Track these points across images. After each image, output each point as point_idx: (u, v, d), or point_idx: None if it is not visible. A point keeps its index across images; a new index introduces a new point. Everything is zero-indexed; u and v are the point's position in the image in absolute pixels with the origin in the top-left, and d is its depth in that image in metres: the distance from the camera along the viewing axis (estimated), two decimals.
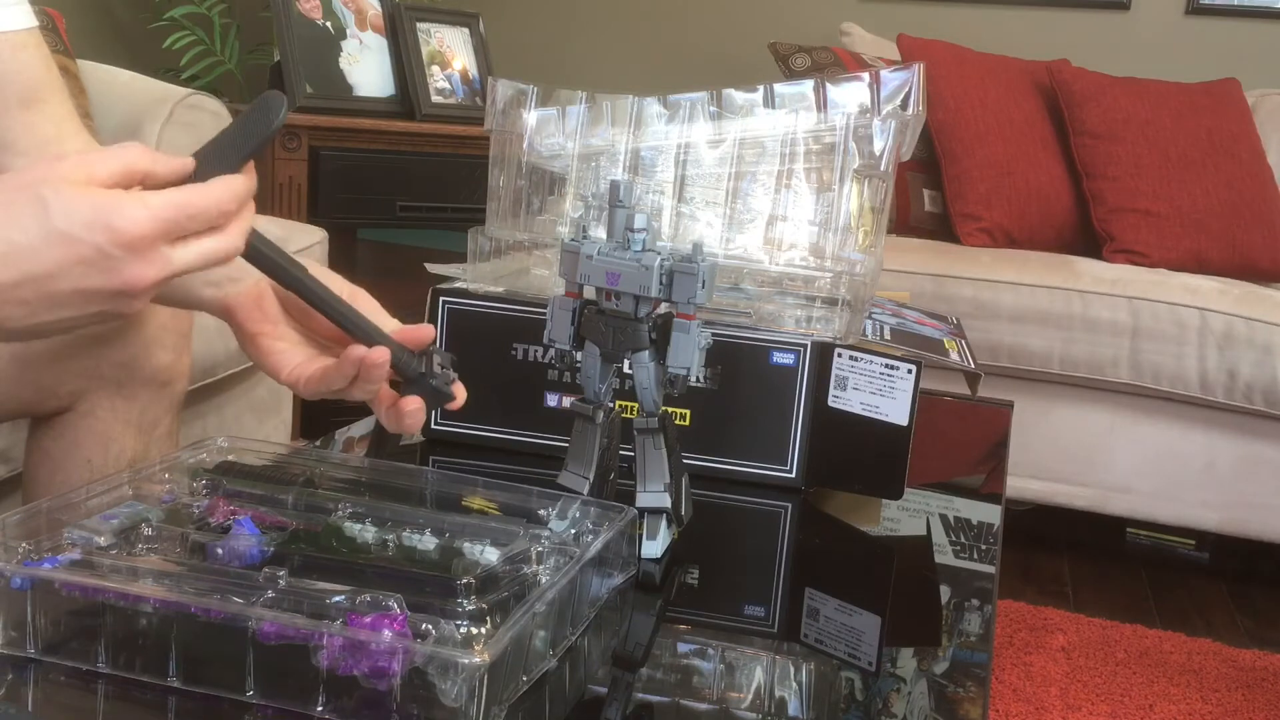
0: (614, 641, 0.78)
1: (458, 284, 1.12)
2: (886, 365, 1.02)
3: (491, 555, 0.71)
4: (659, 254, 0.82)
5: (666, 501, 0.86)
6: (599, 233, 0.86)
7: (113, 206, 0.65)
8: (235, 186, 0.69)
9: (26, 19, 1.01)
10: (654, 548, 0.87)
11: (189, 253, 0.68)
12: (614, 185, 0.84)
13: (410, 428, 0.80)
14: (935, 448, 1.28)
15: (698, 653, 0.79)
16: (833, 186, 1.07)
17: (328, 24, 2.58)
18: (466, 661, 0.59)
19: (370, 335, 0.78)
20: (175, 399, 1.08)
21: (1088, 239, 2.47)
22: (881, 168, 1.08)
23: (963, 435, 1.47)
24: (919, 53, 2.50)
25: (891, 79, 1.09)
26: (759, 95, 1.09)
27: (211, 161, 0.71)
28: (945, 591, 0.96)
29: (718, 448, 1.07)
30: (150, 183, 0.68)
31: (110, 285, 0.66)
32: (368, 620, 0.61)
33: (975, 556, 1.02)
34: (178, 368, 1.06)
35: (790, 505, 1.06)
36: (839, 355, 1.04)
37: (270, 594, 0.63)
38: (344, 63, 2.58)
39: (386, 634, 0.60)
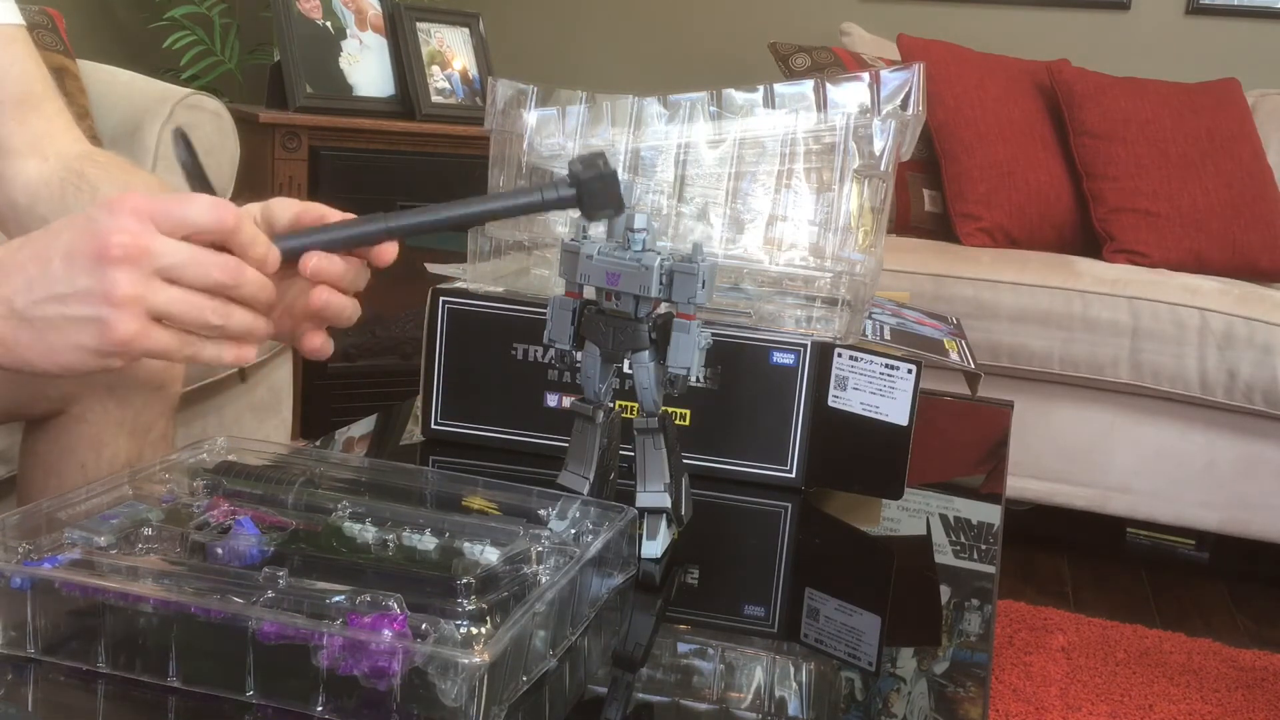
0: (614, 641, 0.78)
1: (458, 284, 1.12)
2: (886, 365, 1.02)
3: (491, 555, 0.71)
4: (659, 254, 0.82)
5: (666, 501, 0.86)
6: (599, 232, 0.86)
7: (125, 197, 0.69)
8: (236, 211, 0.71)
9: (12, 15, 1.01)
10: (654, 548, 0.87)
11: (175, 248, 0.69)
12: None
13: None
14: (935, 448, 1.28)
15: (698, 653, 0.79)
16: (833, 186, 1.07)
17: (328, 24, 2.58)
18: (466, 661, 0.59)
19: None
20: (169, 402, 1.08)
21: (1088, 239, 2.47)
22: (881, 168, 1.08)
23: (963, 435, 1.47)
24: (919, 53, 2.50)
25: (891, 79, 1.09)
26: (759, 95, 1.09)
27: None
28: (945, 591, 0.96)
29: (718, 448, 1.07)
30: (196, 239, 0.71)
31: (86, 247, 0.67)
32: (368, 620, 0.61)
33: (975, 556, 1.02)
34: (171, 371, 1.05)
35: (790, 505, 1.06)
36: (839, 355, 1.04)
37: (270, 594, 0.63)
38: (344, 63, 2.58)
39: (386, 634, 0.60)
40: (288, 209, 0.78)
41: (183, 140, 0.84)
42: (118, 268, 0.67)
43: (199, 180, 0.82)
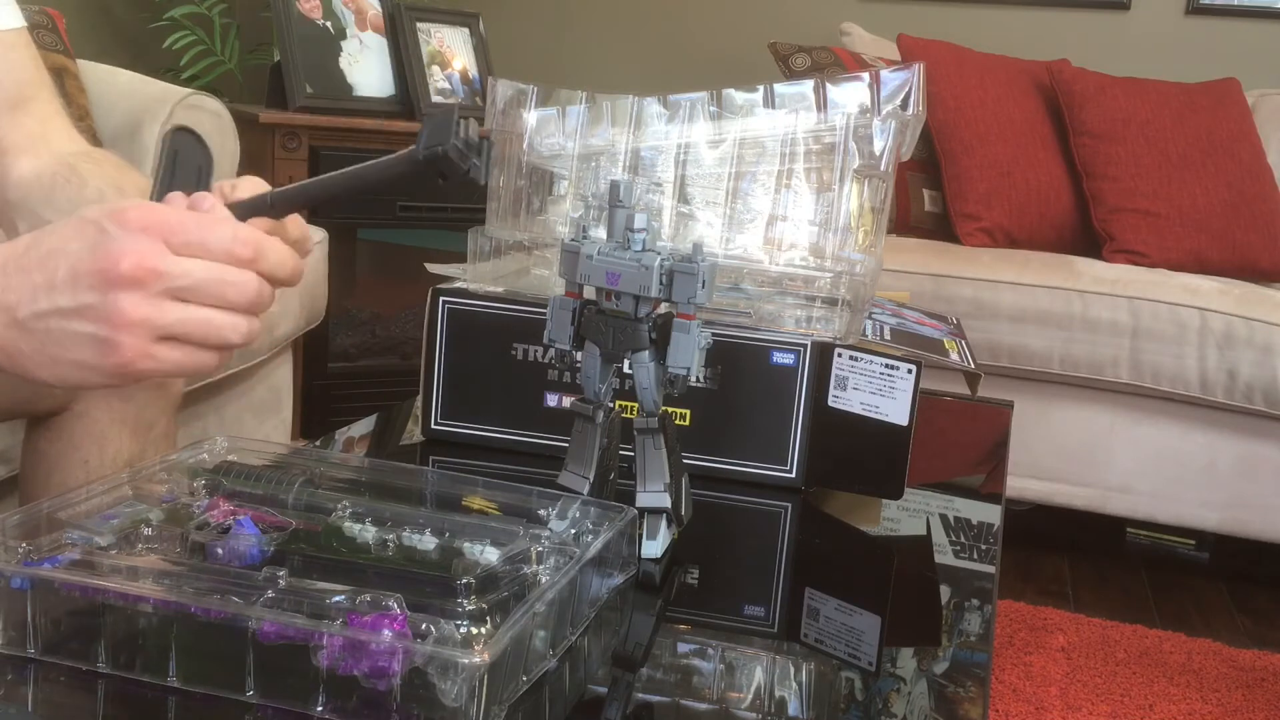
0: (614, 641, 0.78)
1: (458, 284, 1.12)
2: (886, 365, 1.02)
3: (491, 555, 0.71)
4: (659, 254, 0.82)
5: (666, 501, 0.86)
6: (599, 233, 0.86)
7: (137, 204, 0.67)
8: (259, 240, 0.69)
9: (15, 19, 1.01)
10: (654, 548, 0.87)
11: (189, 269, 0.67)
12: (614, 185, 0.84)
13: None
14: (935, 448, 1.28)
15: (698, 653, 0.79)
16: (833, 186, 1.07)
17: (328, 24, 2.59)
18: (466, 661, 0.59)
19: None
20: (172, 400, 1.08)
21: (1088, 239, 2.47)
22: (881, 168, 1.08)
23: (963, 435, 1.47)
24: (919, 53, 2.50)
25: (891, 79, 1.09)
26: (759, 95, 1.09)
27: (254, 207, 0.72)
28: (945, 591, 0.96)
29: (718, 448, 1.07)
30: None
31: (97, 264, 0.65)
32: (368, 620, 0.61)
33: (975, 556, 1.02)
34: None
35: (790, 505, 1.06)
36: (839, 355, 1.04)
37: (270, 594, 0.63)
38: (344, 63, 2.58)
39: (386, 634, 0.60)
40: (256, 189, 0.78)
41: (192, 137, 0.82)
42: (125, 290, 0.65)
43: (203, 183, 0.80)
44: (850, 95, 1.08)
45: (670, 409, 0.94)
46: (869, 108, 1.08)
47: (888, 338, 1.12)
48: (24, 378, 0.71)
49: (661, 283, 0.82)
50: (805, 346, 1.05)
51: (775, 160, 1.08)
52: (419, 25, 2.70)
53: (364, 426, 1.23)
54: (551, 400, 1.09)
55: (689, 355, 0.83)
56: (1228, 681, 1.87)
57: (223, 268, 0.67)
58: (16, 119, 1.00)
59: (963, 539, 1.06)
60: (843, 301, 1.05)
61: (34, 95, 1.02)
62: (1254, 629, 2.14)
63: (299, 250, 0.75)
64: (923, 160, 2.56)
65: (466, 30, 2.80)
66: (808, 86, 1.08)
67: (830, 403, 1.05)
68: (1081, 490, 2.26)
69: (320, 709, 0.61)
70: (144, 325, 0.66)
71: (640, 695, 0.72)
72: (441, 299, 1.10)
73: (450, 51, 2.75)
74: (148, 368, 0.68)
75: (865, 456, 1.04)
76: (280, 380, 2.01)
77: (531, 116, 1.11)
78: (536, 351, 1.09)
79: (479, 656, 0.59)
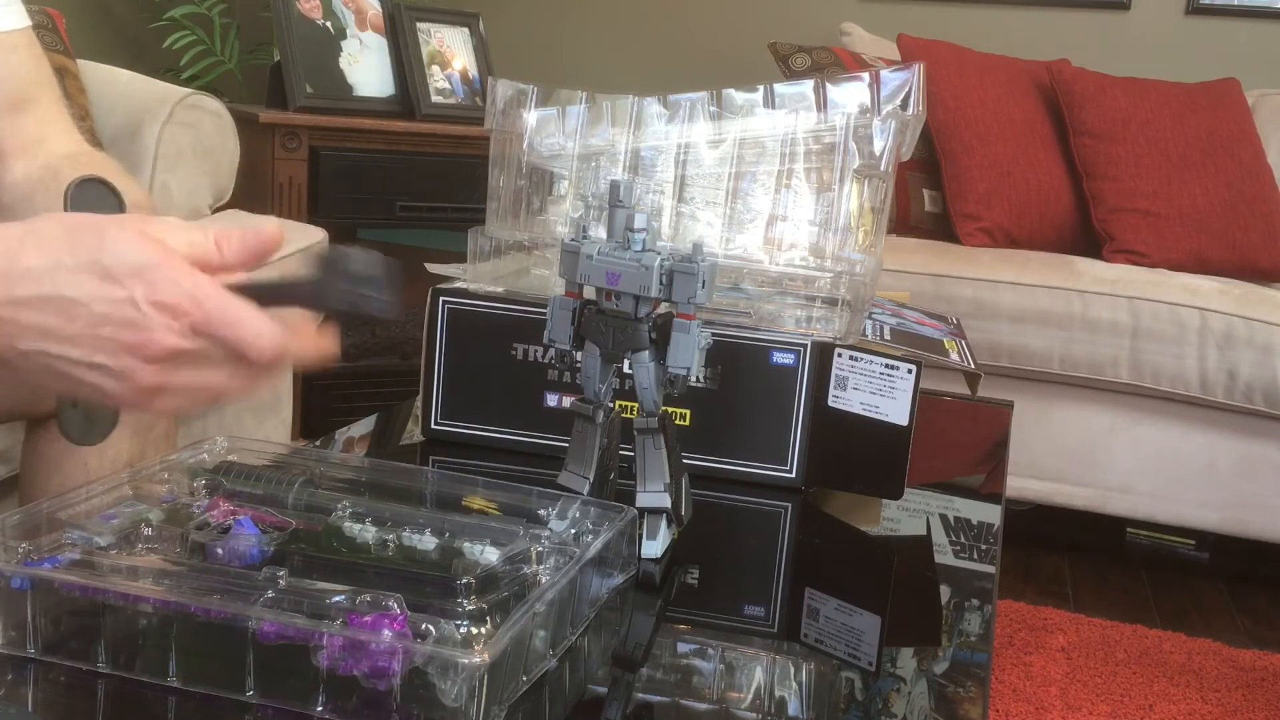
0: (614, 641, 0.78)
1: (458, 284, 1.12)
2: (886, 365, 1.02)
3: (491, 555, 0.71)
4: (659, 254, 0.82)
5: (666, 501, 0.86)
6: (599, 233, 0.86)
7: (163, 266, 0.64)
8: (282, 342, 0.66)
9: (19, 19, 1.00)
10: (654, 548, 0.87)
11: (200, 375, 0.66)
12: (614, 185, 0.84)
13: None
14: (935, 448, 1.28)
15: (698, 653, 0.79)
16: (833, 186, 1.07)
17: (328, 24, 2.58)
18: (466, 661, 0.59)
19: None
20: None
21: (1088, 239, 2.47)
22: (881, 168, 1.08)
23: (963, 435, 1.47)
24: (919, 53, 2.50)
25: (891, 79, 1.09)
26: (759, 95, 1.09)
27: (286, 294, 0.67)
28: (945, 591, 0.96)
29: (718, 448, 1.07)
30: (217, 266, 0.67)
31: (123, 338, 0.64)
32: (368, 620, 0.61)
33: (975, 556, 1.02)
34: None
35: (790, 505, 1.06)
36: (839, 355, 1.04)
37: (270, 594, 0.63)
38: (344, 63, 2.58)
39: (386, 634, 0.60)
40: (237, 222, 0.76)
41: (103, 187, 0.75)
42: (148, 364, 0.65)
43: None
44: (850, 95, 1.08)
45: (670, 409, 0.94)
46: (869, 108, 1.08)
47: (888, 338, 1.12)
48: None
49: (661, 283, 0.82)
50: (805, 346, 1.05)
51: (775, 160, 1.08)
52: (419, 25, 2.70)
53: (364, 426, 1.23)
54: (551, 400, 1.09)
55: (689, 355, 0.83)
56: (1228, 681, 1.87)
57: (238, 362, 0.66)
58: (17, 121, 0.99)
59: (963, 539, 1.06)
60: (843, 301, 1.05)
61: (36, 97, 1.01)
62: (1254, 629, 2.14)
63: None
64: (923, 160, 2.56)
65: (466, 30, 2.80)
66: (808, 86, 1.08)
67: (830, 403, 1.05)
68: (1081, 490, 2.26)
69: (320, 709, 0.61)
70: (157, 390, 0.66)
71: (640, 695, 0.72)
72: (442, 299, 1.10)
73: (450, 51, 2.75)
74: (149, 411, 0.68)
75: (865, 456, 1.04)
76: (280, 380, 2.01)
77: (531, 116, 1.11)
78: (536, 351, 1.09)
79: (479, 656, 0.59)
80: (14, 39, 1.00)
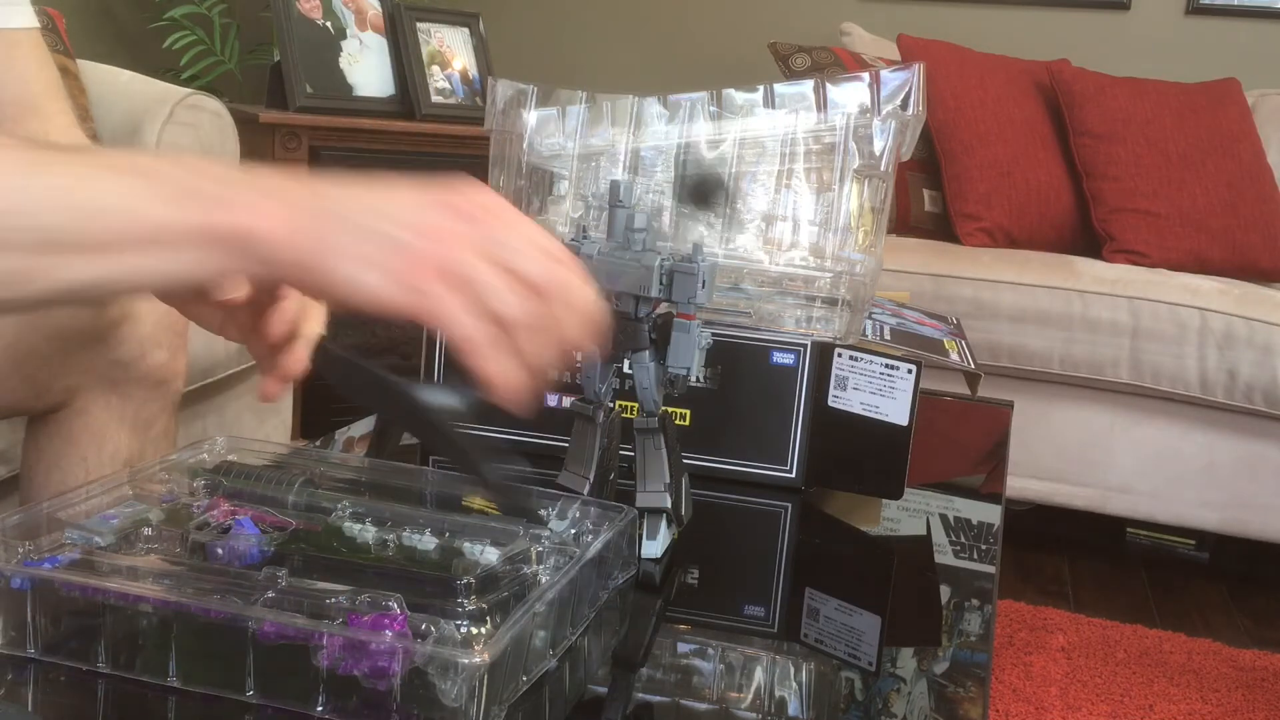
0: (614, 641, 0.78)
1: None
2: (886, 365, 1.02)
3: (491, 555, 0.71)
4: (659, 254, 0.82)
5: (666, 501, 0.86)
6: (599, 233, 0.86)
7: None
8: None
9: (20, 19, 1.00)
10: (654, 548, 0.87)
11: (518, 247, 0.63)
12: (614, 185, 0.84)
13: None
14: (935, 448, 1.28)
15: (698, 653, 0.79)
16: (833, 186, 1.07)
17: (328, 24, 2.58)
18: (466, 661, 0.59)
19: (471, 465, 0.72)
20: (172, 398, 1.08)
21: (1088, 239, 2.47)
22: (881, 168, 1.08)
23: (963, 435, 1.47)
24: (919, 53, 2.50)
25: (891, 79, 1.09)
26: (759, 95, 1.09)
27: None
28: (945, 591, 0.96)
29: (718, 448, 1.07)
30: None
31: (441, 199, 0.62)
32: (368, 620, 0.61)
33: (975, 556, 1.02)
34: (173, 367, 1.06)
35: (790, 505, 1.06)
36: (839, 355, 1.04)
37: (270, 594, 0.63)
38: (344, 63, 2.58)
39: (386, 634, 0.60)
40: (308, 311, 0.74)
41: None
42: (462, 222, 0.61)
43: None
44: (850, 95, 1.08)
45: (670, 409, 0.94)
46: (869, 108, 1.08)
47: (888, 338, 1.12)
48: (313, 265, 0.61)
49: (661, 283, 0.82)
50: (805, 346, 1.05)
51: (775, 160, 1.08)
52: (419, 25, 2.70)
53: (364, 426, 1.23)
54: (551, 400, 1.09)
55: (689, 355, 0.83)
56: (1228, 681, 1.87)
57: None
58: (18, 120, 1.00)
59: (963, 539, 1.06)
60: (843, 301, 1.05)
61: (38, 96, 1.01)
62: (1254, 629, 2.14)
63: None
64: (923, 160, 2.56)
65: (466, 30, 2.80)
66: (808, 86, 1.08)
67: (830, 403, 1.05)
68: (1081, 490, 2.26)
69: (320, 709, 0.61)
70: (468, 263, 0.61)
71: (640, 695, 0.72)
72: None
73: (450, 51, 2.75)
74: (446, 308, 0.61)
75: (865, 456, 1.04)
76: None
77: (531, 116, 1.11)
78: None
79: (479, 656, 0.59)
80: (17, 37, 1.00)
